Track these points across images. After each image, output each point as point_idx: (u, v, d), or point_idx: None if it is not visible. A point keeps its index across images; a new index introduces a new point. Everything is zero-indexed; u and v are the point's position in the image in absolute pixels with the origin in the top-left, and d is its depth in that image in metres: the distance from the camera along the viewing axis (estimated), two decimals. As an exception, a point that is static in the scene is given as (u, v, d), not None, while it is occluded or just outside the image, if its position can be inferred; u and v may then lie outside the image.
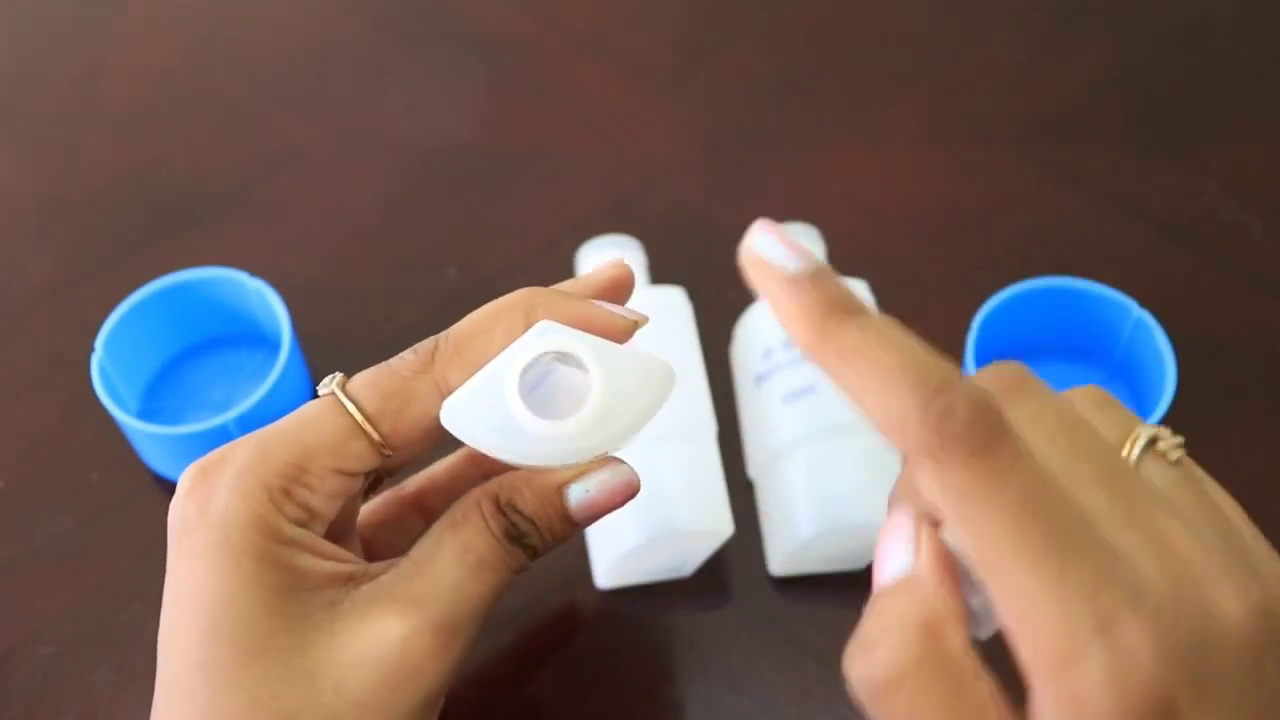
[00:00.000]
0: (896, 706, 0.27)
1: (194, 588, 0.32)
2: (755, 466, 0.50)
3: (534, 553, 0.35)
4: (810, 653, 0.47)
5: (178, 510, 0.34)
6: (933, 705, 0.27)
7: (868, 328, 0.27)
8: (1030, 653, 0.27)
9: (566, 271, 0.55)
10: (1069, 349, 0.54)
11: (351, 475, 0.34)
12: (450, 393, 0.34)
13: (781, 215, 0.53)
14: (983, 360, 0.51)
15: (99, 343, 0.51)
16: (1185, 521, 0.28)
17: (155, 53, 0.69)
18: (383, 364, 0.35)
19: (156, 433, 0.49)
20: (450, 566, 0.34)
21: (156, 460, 0.52)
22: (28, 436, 0.55)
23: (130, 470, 0.53)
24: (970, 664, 0.27)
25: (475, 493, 0.35)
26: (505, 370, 0.33)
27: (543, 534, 0.35)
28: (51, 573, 0.51)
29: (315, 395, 0.55)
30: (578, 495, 0.34)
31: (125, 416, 0.50)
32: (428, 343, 0.35)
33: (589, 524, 0.35)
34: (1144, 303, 0.50)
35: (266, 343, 0.56)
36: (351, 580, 0.34)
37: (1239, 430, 0.52)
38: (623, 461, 0.35)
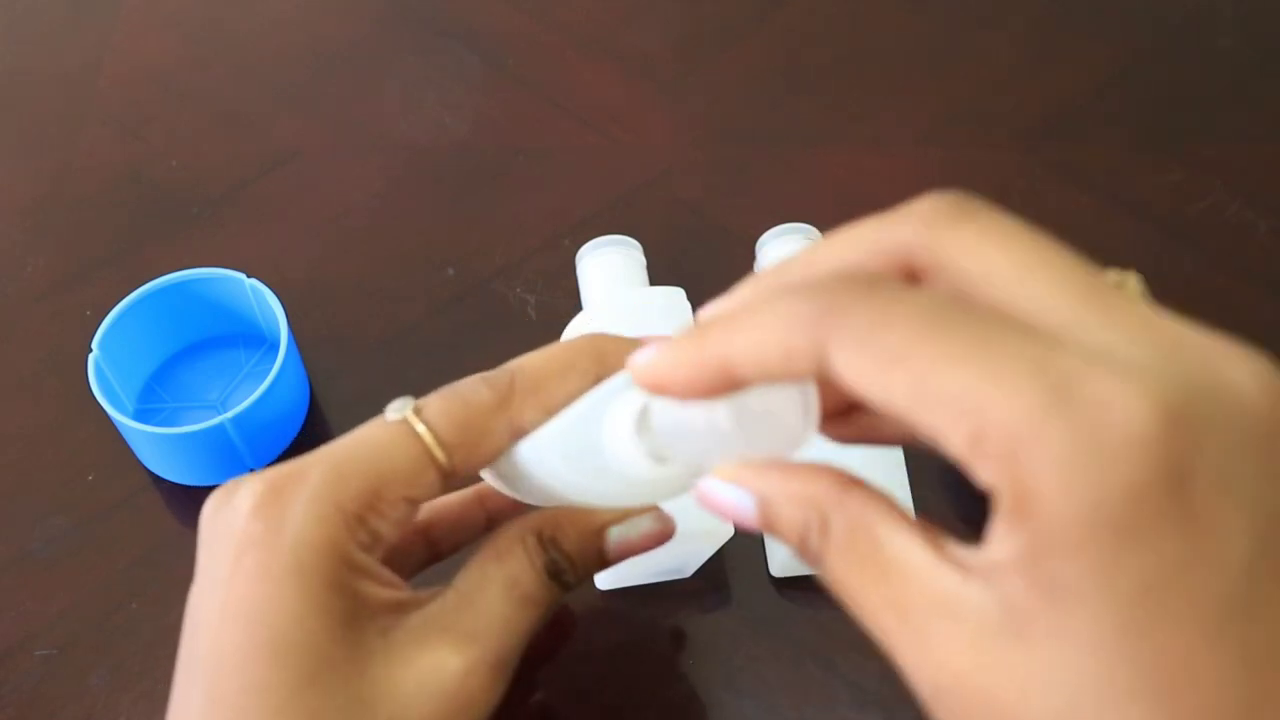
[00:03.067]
0: (835, 588, 0.27)
1: (257, 608, 0.31)
2: (756, 467, 0.50)
3: (566, 588, 0.36)
4: (810, 654, 0.47)
5: (240, 525, 0.32)
6: (852, 576, 0.27)
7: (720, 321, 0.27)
8: (978, 462, 0.23)
9: (566, 271, 0.55)
10: (1071, 349, 0.53)
11: (417, 504, 0.34)
12: (524, 433, 0.34)
13: (781, 215, 0.53)
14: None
15: (95, 343, 0.51)
16: (1185, 323, 0.24)
17: (151, 50, 0.69)
18: (453, 392, 0.34)
19: (153, 433, 0.49)
20: (499, 601, 0.34)
21: (153, 461, 0.52)
22: (24, 437, 0.55)
23: (127, 471, 0.53)
24: (885, 525, 0.26)
25: (516, 526, 0.35)
26: (618, 413, 0.33)
27: (577, 571, 0.36)
28: (47, 574, 0.51)
29: (311, 394, 0.55)
30: (617, 537, 0.36)
31: (122, 417, 0.49)
32: (501, 376, 0.34)
33: (617, 563, 0.36)
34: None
35: (264, 342, 0.55)
36: (401, 608, 0.33)
37: (1242, 431, 0.52)
38: (660, 509, 0.36)
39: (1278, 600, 0.22)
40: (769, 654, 0.47)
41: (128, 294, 0.52)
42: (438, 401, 0.34)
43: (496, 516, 0.40)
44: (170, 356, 0.55)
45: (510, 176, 0.62)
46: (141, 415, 0.53)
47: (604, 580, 0.47)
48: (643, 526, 0.36)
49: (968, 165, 0.61)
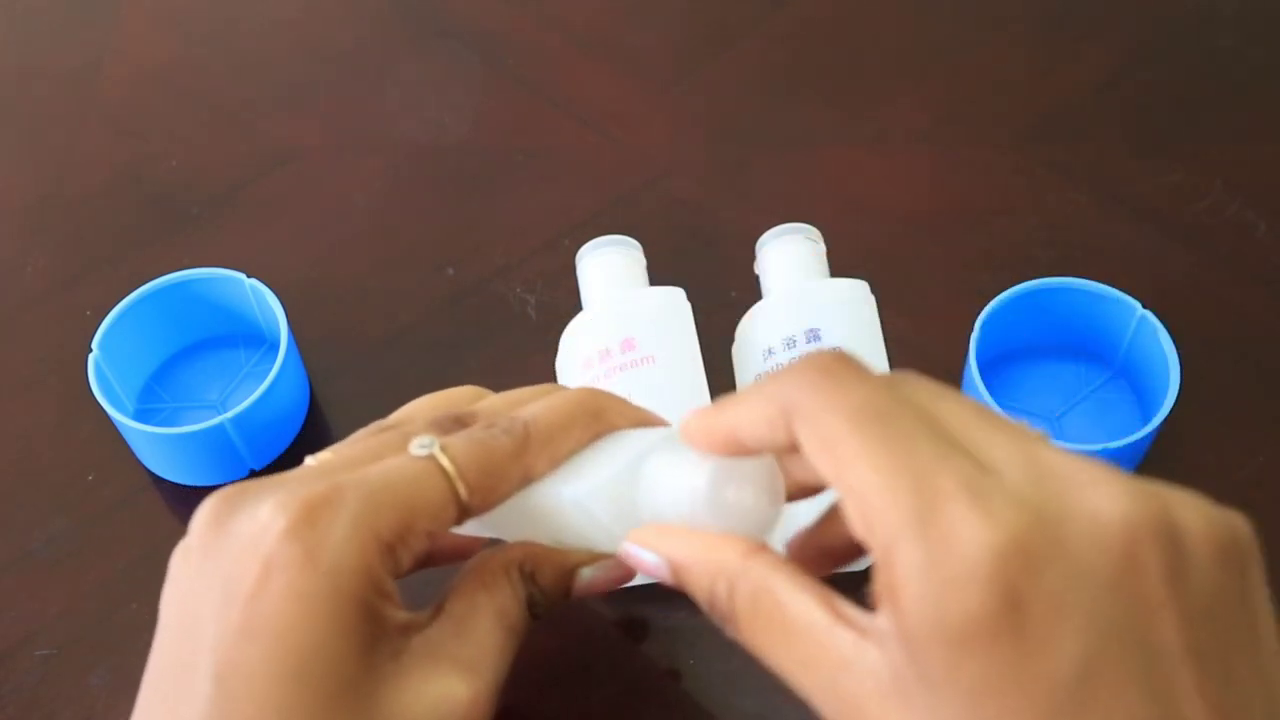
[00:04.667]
0: (747, 644, 0.31)
1: (287, 628, 0.32)
2: (756, 467, 0.50)
3: (535, 620, 0.37)
4: (811, 655, 0.47)
5: (269, 545, 0.32)
6: (760, 635, 0.31)
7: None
8: (868, 546, 0.28)
9: (566, 271, 0.55)
10: (1071, 349, 0.53)
11: (433, 537, 0.35)
12: (532, 480, 0.37)
13: (781, 215, 0.53)
14: (985, 362, 0.51)
15: (95, 343, 0.51)
16: (1065, 451, 0.28)
17: (152, 50, 0.69)
18: (475, 437, 0.36)
19: (153, 433, 0.49)
20: (493, 631, 0.36)
21: (153, 461, 0.52)
22: (24, 437, 0.55)
23: (127, 471, 0.53)
24: (786, 588, 0.31)
25: (500, 557, 0.37)
26: (666, 473, 0.35)
27: (548, 605, 0.38)
28: (47, 574, 0.51)
29: (311, 395, 0.55)
30: (588, 578, 0.38)
31: (122, 417, 0.49)
32: (517, 427, 0.37)
33: (577, 599, 0.39)
34: (1147, 303, 0.50)
35: (264, 342, 0.55)
36: (407, 630, 0.35)
37: (1243, 431, 0.52)
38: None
39: (1104, 703, 0.26)
40: (769, 654, 0.47)
41: (128, 294, 0.52)
42: (462, 444, 0.36)
43: (436, 555, 0.41)
44: (170, 356, 0.55)
45: (510, 176, 0.62)
46: (141, 415, 0.53)
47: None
48: (609, 568, 0.38)
49: (968, 164, 0.61)
